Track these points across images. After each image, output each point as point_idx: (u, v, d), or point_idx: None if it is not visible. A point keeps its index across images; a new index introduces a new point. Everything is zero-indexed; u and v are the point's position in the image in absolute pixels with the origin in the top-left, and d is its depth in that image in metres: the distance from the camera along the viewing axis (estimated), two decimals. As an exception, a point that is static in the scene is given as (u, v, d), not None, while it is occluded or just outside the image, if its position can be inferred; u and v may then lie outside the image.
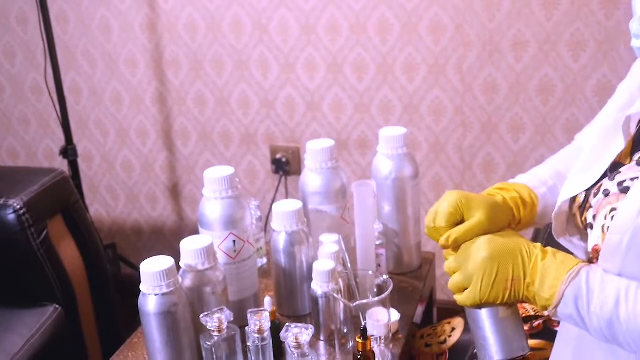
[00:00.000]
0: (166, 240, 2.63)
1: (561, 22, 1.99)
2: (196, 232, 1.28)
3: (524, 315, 1.23)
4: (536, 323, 1.21)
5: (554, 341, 1.11)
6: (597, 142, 1.03)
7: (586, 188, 1.00)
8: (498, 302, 0.96)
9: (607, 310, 0.89)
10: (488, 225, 1.00)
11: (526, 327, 1.20)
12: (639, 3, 0.97)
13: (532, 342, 1.19)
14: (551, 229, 1.06)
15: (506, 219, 1.05)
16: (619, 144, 0.97)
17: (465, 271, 0.97)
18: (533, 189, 1.13)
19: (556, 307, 0.92)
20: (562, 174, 1.14)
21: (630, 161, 0.97)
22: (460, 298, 1.00)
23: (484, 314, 0.98)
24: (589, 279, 0.91)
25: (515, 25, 2.03)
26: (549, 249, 0.96)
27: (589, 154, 1.03)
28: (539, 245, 0.96)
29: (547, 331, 1.20)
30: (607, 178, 0.97)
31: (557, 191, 1.10)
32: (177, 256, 1.16)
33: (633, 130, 0.98)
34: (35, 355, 1.61)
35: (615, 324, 0.89)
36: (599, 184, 0.98)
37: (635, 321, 0.87)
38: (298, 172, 2.36)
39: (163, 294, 1.10)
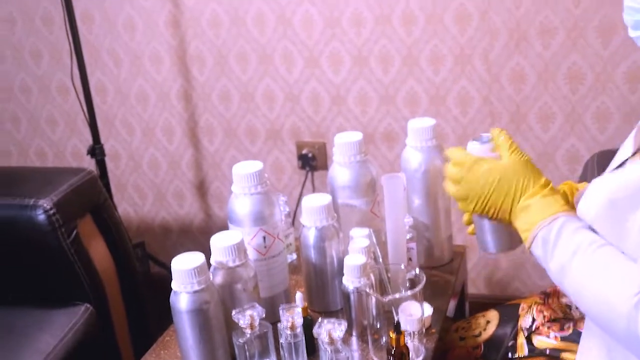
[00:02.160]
0: (194, 237, 2.63)
1: (589, 8, 1.96)
2: (224, 229, 1.28)
3: (553, 317, 1.22)
4: (566, 326, 1.20)
5: None
6: (622, 146, 1.11)
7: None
8: (489, 217, 1.08)
9: (564, 256, 0.96)
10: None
11: (556, 329, 1.19)
12: None
13: (562, 344, 1.18)
14: None
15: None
16: (629, 150, 1.05)
17: (463, 190, 1.07)
18: None
19: (529, 246, 1.01)
20: None
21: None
22: (459, 204, 1.10)
23: (481, 217, 1.10)
24: (564, 226, 0.98)
25: (542, 12, 2.00)
26: (548, 186, 1.04)
27: (615, 157, 1.09)
28: (541, 181, 1.04)
29: (576, 333, 1.18)
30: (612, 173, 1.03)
31: None
32: (205, 253, 1.16)
33: None
34: (68, 354, 1.62)
35: (566, 270, 0.95)
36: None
37: (581, 273, 0.94)
38: (324, 167, 2.35)
39: (195, 292, 1.10)
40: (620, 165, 1.02)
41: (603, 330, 0.97)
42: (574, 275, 0.95)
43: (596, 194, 0.98)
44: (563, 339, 1.19)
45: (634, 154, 1.01)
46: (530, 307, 1.28)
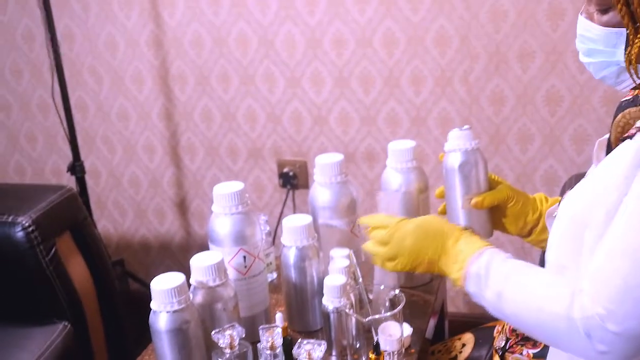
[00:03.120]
0: (174, 255, 2.62)
1: (567, 32, 1.99)
2: (204, 247, 1.28)
3: (525, 335, 1.23)
4: (538, 342, 1.21)
5: None
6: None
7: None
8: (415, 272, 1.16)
9: (499, 283, 1.01)
10: (512, 193, 1.23)
11: (530, 346, 1.21)
12: (579, 22, 1.03)
13: None
14: None
15: (527, 203, 1.24)
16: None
17: (392, 250, 1.15)
18: None
19: (463, 285, 1.06)
20: None
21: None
22: (386, 265, 1.18)
23: None
24: (492, 258, 1.04)
25: (521, 36, 2.03)
26: (466, 232, 1.12)
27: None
28: (457, 229, 1.13)
29: (547, 348, 1.20)
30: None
31: None
32: (185, 271, 1.16)
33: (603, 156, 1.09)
34: (45, 373, 1.61)
35: (502, 295, 1.00)
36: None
37: (516, 292, 0.99)
38: (305, 185, 2.36)
39: (174, 311, 1.09)
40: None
41: (550, 343, 1.03)
42: (510, 297, 1.00)
43: (561, 215, 1.03)
44: (535, 355, 1.20)
45: None
46: (503, 327, 1.30)
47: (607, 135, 1.09)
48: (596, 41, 1.00)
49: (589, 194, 0.99)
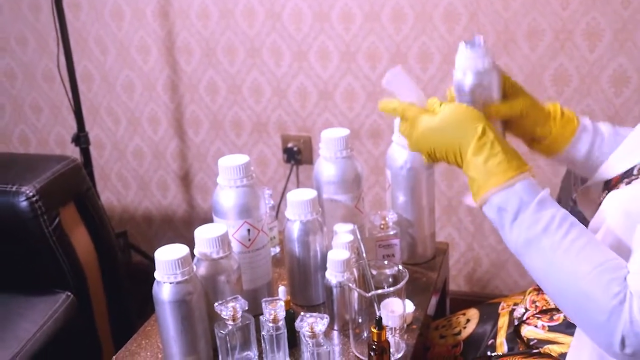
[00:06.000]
0: (177, 228, 2.62)
1: (577, 11, 1.97)
2: (207, 220, 1.28)
3: (544, 307, 1.23)
4: (556, 316, 1.21)
5: (572, 334, 1.11)
6: (635, 134, 1.07)
7: (619, 173, 1.04)
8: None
9: (532, 232, 0.91)
10: (526, 109, 1.15)
11: (546, 319, 1.20)
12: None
13: (551, 336, 1.19)
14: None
15: (539, 118, 1.18)
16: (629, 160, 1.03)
17: (413, 142, 1.07)
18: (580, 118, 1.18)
19: (481, 205, 0.97)
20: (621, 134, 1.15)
21: None
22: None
23: None
24: (524, 193, 0.93)
25: (530, 14, 2.01)
26: (486, 136, 0.99)
27: (627, 144, 1.07)
28: (478, 130, 0.99)
29: (565, 324, 1.19)
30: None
31: (604, 137, 1.14)
32: (187, 244, 1.16)
33: None
34: (47, 342, 1.62)
35: (533, 245, 0.92)
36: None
37: (555, 255, 0.90)
38: (309, 161, 2.35)
39: (178, 282, 1.09)
40: (629, 174, 1.02)
41: (575, 320, 0.95)
42: (545, 254, 0.91)
43: (612, 206, 0.95)
44: (551, 328, 1.19)
45: None
46: (524, 298, 1.29)
47: None
48: None
49: None
